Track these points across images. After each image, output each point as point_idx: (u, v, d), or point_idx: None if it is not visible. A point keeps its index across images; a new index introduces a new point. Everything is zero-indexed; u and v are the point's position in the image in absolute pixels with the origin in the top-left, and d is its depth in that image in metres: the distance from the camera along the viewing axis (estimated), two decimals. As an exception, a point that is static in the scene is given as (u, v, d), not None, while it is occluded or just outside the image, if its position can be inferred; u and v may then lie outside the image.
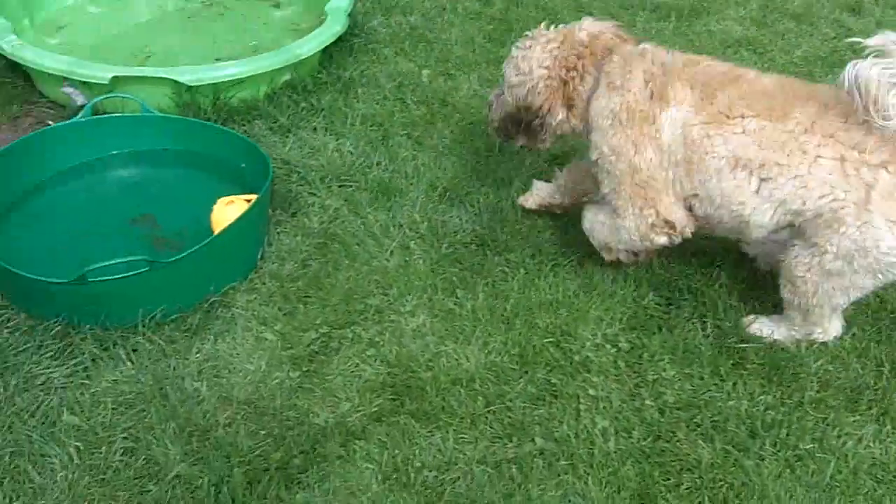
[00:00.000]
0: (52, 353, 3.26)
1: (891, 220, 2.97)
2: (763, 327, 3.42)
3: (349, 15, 4.89)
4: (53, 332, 3.31)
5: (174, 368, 3.24)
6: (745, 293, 3.59)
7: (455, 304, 3.53)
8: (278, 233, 3.79)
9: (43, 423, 3.04)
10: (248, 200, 3.62)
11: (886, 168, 2.96)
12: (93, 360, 3.25)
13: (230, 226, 3.52)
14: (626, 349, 3.38)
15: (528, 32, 3.55)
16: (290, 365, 3.27)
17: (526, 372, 3.28)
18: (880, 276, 3.09)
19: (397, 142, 4.31)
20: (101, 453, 2.96)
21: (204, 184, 3.97)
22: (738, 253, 3.71)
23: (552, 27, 3.51)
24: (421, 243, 3.77)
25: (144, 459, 2.96)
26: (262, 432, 3.05)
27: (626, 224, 3.41)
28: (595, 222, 3.56)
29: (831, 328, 3.36)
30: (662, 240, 3.39)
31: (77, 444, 2.97)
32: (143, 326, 3.34)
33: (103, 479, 2.89)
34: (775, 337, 3.39)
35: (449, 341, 3.37)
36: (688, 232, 3.38)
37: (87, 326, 3.33)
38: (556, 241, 3.80)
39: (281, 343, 3.35)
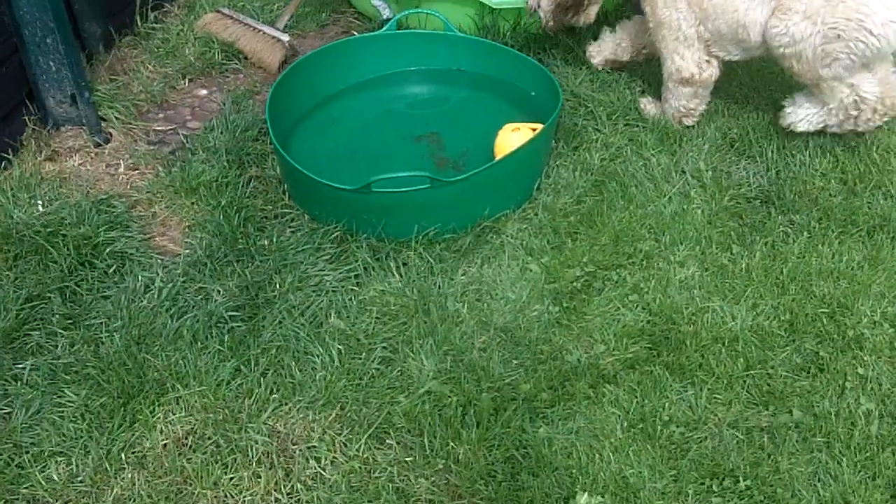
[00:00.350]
0: (328, 257, 3.41)
1: None
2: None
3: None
4: (332, 237, 3.46)
5: (439, 287, 3.31)
6: None
7: (729, 259, 3.40)
8: (557, 165, 3.76)
9: (311, 322, 3.20)
10: (534, 129, 3.62)
11: None
12: (365, 268, 3.37)
13: (512, 153, 3.54)
14: (906, 332, 3.16)
15: None
16: (551, 299, 3.27)
17: (793, 340, 3.13)
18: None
19: (692, 85, 4.16)
20: (360, 359, 3.08)
21: (492, 108, 4.01)
22: None
23: None
24: (702, 192, 3.65)
25: (399, 371, 3.05)
26: (515, 361, 3.08)
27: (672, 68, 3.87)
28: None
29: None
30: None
31: (339, 346, 3.11)
32: (416, 242, 3.43)
33: (359, 384, 3.01)
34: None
35: (716, 297, 3.26)
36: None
37: (364, 235, 3.46)
38: (846, 207, 3.58)
39: (545, 276, 3.35)
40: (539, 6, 4.07)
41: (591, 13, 4.04)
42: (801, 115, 3.75)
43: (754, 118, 3.99)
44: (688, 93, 3.87)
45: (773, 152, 3.81)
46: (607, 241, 3.46)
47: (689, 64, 3.81)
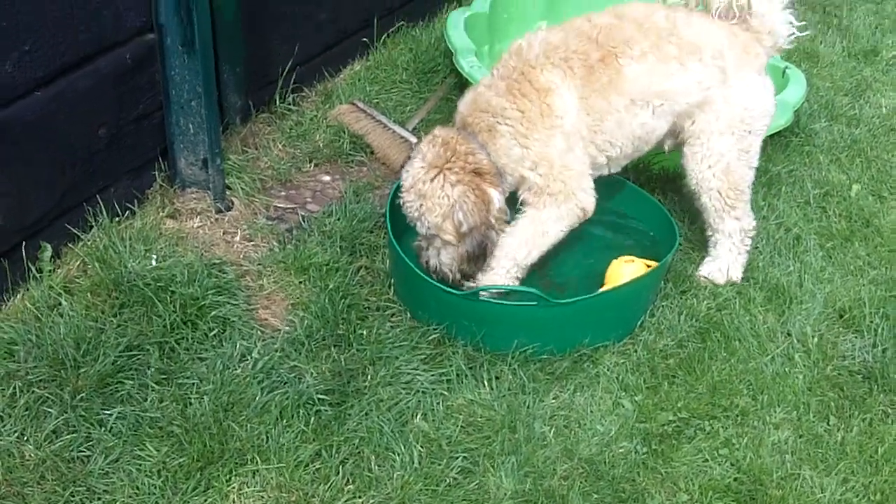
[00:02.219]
0: (423, 357, 3.42)
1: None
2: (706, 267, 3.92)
3: (795, 111, 4.77)
4: (430, 338, 3.48)
5: (528, 406, 3.30)
6: None
7: (825, 430, 3.33)
8: (663, 306, 3.75)
9: (397, 419, 3.20)
10: (648, 266, 3.63)
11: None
12: (458, 374, 3.37)
13: (620, 287, 3.55)
14: None
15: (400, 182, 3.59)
16: (640, 439, 3.23)
17: (883, 524, 3.04)
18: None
19: (808, 249, 4.14)
20: (439, 465, 3.06)
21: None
22: None
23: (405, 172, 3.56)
24: (805, 358, 3.60)
25: (477, 484, 3.03)
26: (595, 496, 3.04)
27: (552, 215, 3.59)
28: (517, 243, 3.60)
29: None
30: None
31: (421, 449, 3.10)
32: (513, 358, 3.43)
33: (435, 490, 2.99)
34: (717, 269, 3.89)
35: (807, 466, 3.19)
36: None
37: (462, 342, 3.47)
38: (953, 397, 3.49)
39: (637, 414, 3.31)
40: (441, 265, 3.58)
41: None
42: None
43: (867, 291, 3.94)
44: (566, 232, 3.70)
45: (882, 330, 3.75)
46: (704, 390, 3.42)
47: (591, 195, 3.66)
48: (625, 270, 3.65)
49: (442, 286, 3.44)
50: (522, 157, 3.50)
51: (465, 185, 3.44)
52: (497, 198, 3.51)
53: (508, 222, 3.63)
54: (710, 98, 3.62)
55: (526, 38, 3.58)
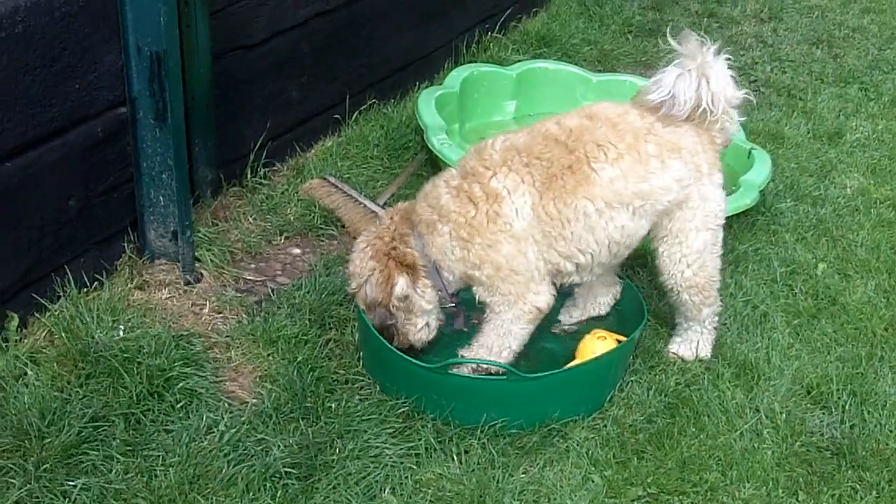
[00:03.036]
0: (391, 431, 3.40)
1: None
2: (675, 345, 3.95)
3: (761, 192, 4.85)
4: (399, 411, 3.46)
5: (498, 481, 3.27)
6: None
7: (794, 506, 3.33)
8: (632, 381, 3.75)
9: (365, 493, 3.17)
10: (619, 341, 3.65)
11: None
12: (426, 448, 3.35)
13: (590, 361, 3.56)
14: None
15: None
16: (610, 514, 3.21)
17: None
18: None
19: (776, 326, 4.17)
20: (408, 540, 3.03)
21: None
22: None
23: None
24: (773, 433, 3.60)
25: (446, 561, 2.99)
26: (565, 571, 3.00)
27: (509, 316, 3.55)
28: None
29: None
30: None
31: (389, 524, 3.07)
32: (482, 432, 3.42)
33: (406, 566, 2.95)
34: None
35: (778, 542, 3.18)
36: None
37: (431, 416, 3.45)
38: (922, 475, 3.50)
39: (606, 489, 3.29)
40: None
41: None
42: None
43: (834, 368, 3.96)
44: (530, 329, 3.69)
45: (850, 406, 3.76)
46: (673, 466, 3.41)
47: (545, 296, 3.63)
48: (597, 347, 3.67)
49: (411, 359, 3.44)
50: (464, 258, 3.48)
51: (378, 262, 3.50)
52: (401, 285, 3.51)
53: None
54: (689, 196, 3.63)
55: (491, 139, 3.59)
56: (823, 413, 3.76)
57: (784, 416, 3.69)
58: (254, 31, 4.41)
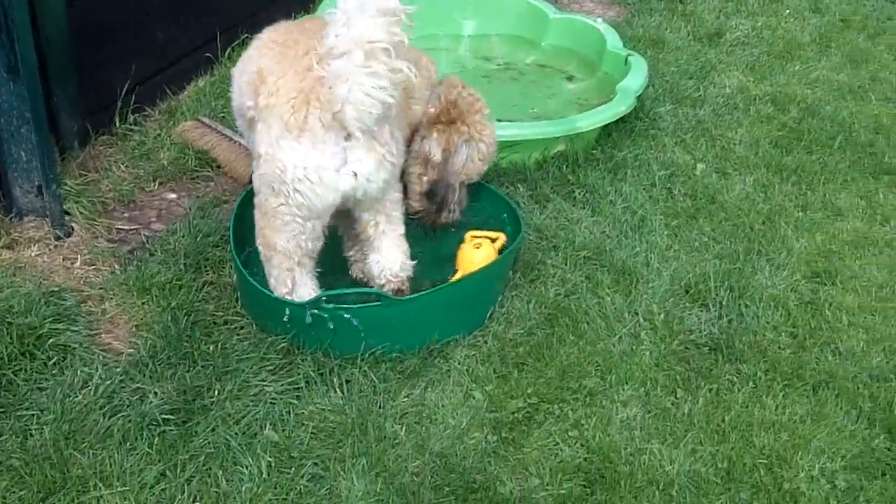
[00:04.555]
0: (271, 368, 3.38)
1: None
2: None
3: (638, 97, 4.86)
4: (278, 348, 3.44)
5: (380, 407, 3.28)
6: None
7: (672, 403, 3.38)
8: (512, 296, 3.77)
9: (244, 432, 3.15)
10: (494, 240, 3.70)
11: None
12: (307, 382, 3.34)
13: (464, 280, 3.56)
14: (842, 488, 3.12)
15: None
16: (491, 428, 3.24)
17: (728, 489, 3.09)
18: None
19: (654, 229, 4.21)
20: (289, 474, 3.02)
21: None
22: None
23: None
24: (652, 335, 3.65)
25: (328, 489, 3.00)
26: (446, 488, 3.03)
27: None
28: None
29: None
30: None
31: (270, 459, 3.06)
32: (362, 360, 3.41)
33: (285, 499, 2.95)
34: None
35: (656, 440, 3.23)
36: None
37: (311, 350, 3.44)
38: (794, 362, 3.58)
39: (487, 404, 3.32)
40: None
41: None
42: None
43: (711, 266, 4.02)
44: None
45: (727, 302, 3.83)
46: (553, 375, 3.45)
47: None
48: (476, 256, 3.70)
49: (282, 298, 3.41)
50: None
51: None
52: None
53: None
54: None
55: None
56: (702, 310, 3.82)
57: (662, 316, 3.74)
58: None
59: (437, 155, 3.75)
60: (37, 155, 3.77)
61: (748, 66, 5.74)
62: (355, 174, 3.19)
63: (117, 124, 4.47)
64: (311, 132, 3.13)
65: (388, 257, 3.53)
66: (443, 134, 3.75)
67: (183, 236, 3.93)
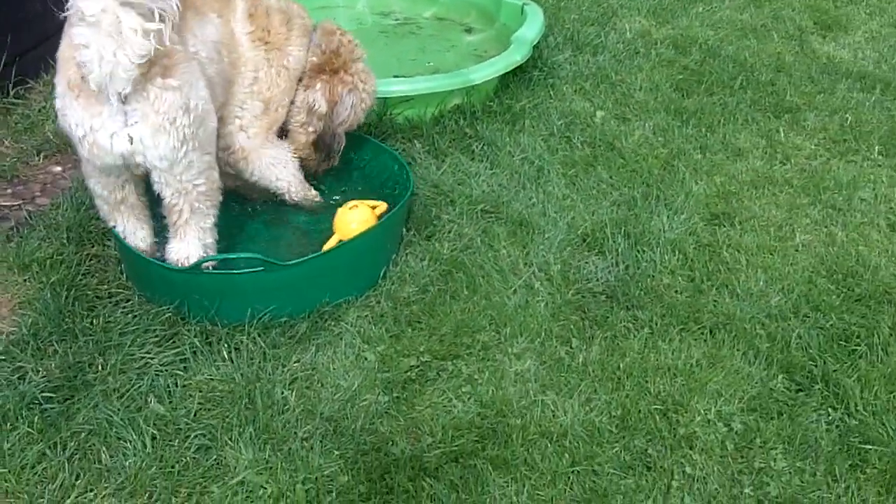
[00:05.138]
0: (156, 339, 3.29)
1: None
2: None
3: (535, 47, 4.80)
4: (163, 318, 3.35)
5: (269, 373, 3.21)
6: (886, 388, 3.24)
7: (567, 353, 3.35)
8: (407, 254, 3.71)
9: (128, 406, 3.07)
10: (373, 207, 3.61)
11: None
12: (193, 352, 3.26)
13: (353, 240, 3.49)
14: (738, 430, 3.11)
15: None
16: (382, 388, 3.19)
17: (623, 437, 3.07)
18: None
19: (551, 179, 4.17)
20: (174, 446, 2.95)
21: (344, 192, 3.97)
22: (887, 342, 3.38)
23: None
24: (548, 285, 3.62)
25: (215, 459, 2.93)
26: (336, 452, 2.97)
27: None
28: None
29: None
30: None
31: (154, 432, 2.98)
32: (250, 327, 3.34)
33: (170, 471, 2.88)
34: None
35: (550, 391, 3.20)
36: None
37: (196, 319, 3.36)
38: (691, 305, 3.56)
39: (379, 365, 3.27)
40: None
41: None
42: None
43: (608, 213, 3.99)
44: None
45: (624, 248, 3.80)
46: (447, 331, 3.40)
47: None
48: (350, 215, 3.62)
49: (162, 264, 3.33)
50: None
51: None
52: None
53: None
54: None
55: None
56: (598, 258, 3.79)
57: (558, 267, 3.71)
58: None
59: (322, 106, 3.69)
60: None
61: (650, 10, 5.71)
62: (130, 138, 3.06)
63: (-5, 93, 4.33)
64: (86, 93, 2.99)
65: (187, 248, 3.39)
66: (327, 84, 3.68)
67: (67, 210, 3.81)
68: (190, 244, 3.38)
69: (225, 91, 3.49)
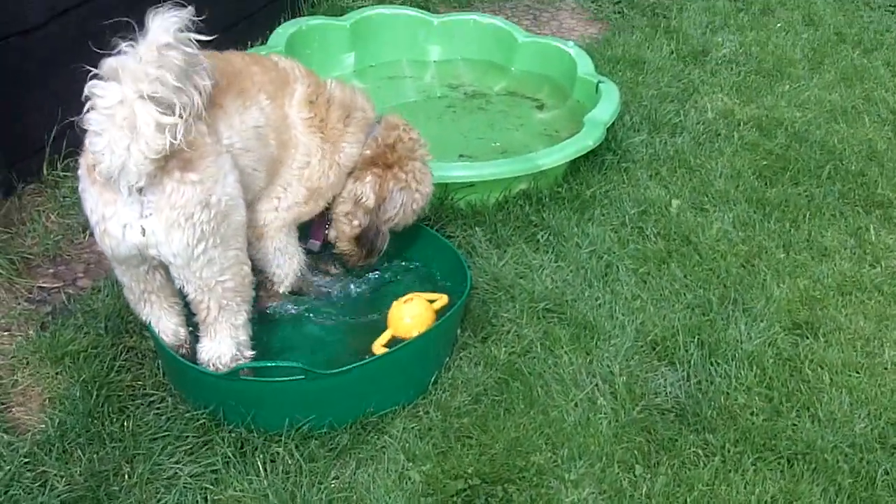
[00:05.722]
0: (188, 448, 3.09)
1: None
2: None
3: (608, 128, 4.54)
4: (197, 423, 3.15)
5: (305, 491, 2.98)
6: None
7: (630, 482, 3.06)
8: (461, 358, 3.47)
9: (152, 523, 2.87)
10: (431, 301, 3.42)
11: None
12: (226, 462, 3.05)
13: (404, 347, 3.26)
14: (817, 585, 2.80)
15: None
16: (426, 515, 2.94)
17: (687, 586, 2.77)
18: None
19: (620, 277, 3.89)
20: (195, 572, 2.74)
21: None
22: None
23: None
24: (611, 400, 3.34)
25: (240, 590, 2.71)
26: (371, 589, 2.73)
27: None
28: None
29: None
30: None
31: (176, 556, 2.77)
32: (287, 437, 3.12)
33: None
34: None
35: (609, 527, 2.92)
36: None
37: (232, 425, 3.15)
38: (767, 430, 3.25)
39: (423, 487, 3.01)
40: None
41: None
42: None
43: (681, 318, 3.69)
44: None
45: (696, 360, 3.50)
46: (500, 450, 3.13)
47: None
48: (405, 312, 3.42)
49: (197, 367, 3.12)
50: None
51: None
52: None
53: None
54: None
55: None
56: (668, 370, 3.50)
57: (624, 378, 3.43)
58: (28, 14, 4.00)
59: (369, 199, 3.49)
60: (-58, 214, 3.50)
61: (734, 86, 5.42)
62: (143, 230, 2.88)
63: (45, 172, 4.18)
64: (102, 180, 2.84)
65: (220, 347, 3.18)
66: (378, 178, 3.48)
67: (108, 295, 3.64)
68: (222, 343, 3.17)
69: (269, 174, 3.30)
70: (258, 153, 3.19)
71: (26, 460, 3.02)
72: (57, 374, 3.33)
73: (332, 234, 3.67)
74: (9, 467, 2.98)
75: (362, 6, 5.67)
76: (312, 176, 3.41)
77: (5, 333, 3.51)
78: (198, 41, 2.75)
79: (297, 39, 5.04)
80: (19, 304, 3.64)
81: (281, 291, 3.60)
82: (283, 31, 5.05)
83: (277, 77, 3.29)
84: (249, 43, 5.28)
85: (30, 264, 3.84)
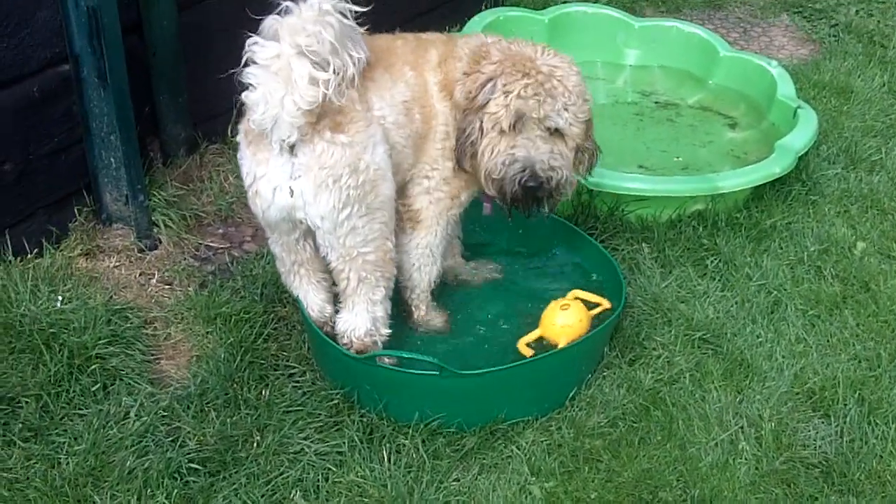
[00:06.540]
0: (319, 425, 3.12)
1: None
2: None
3: (801, 156, 4.32)
4: (331, 403, 3.19)
5: (424, 488, 2.96)
6: None
7: (760, 539, 2.91)
8: (603, 377, 3.37)
9: (271, 495, 2.91)
10: (591, 304, 3.39)
11: None
12: (352, 446, 3.06)
13: (545, 358, 3.19)
14: None
15: None
16: (539, 535, 2.87)
17: None
18: None
19: (787, 316, 3.70)
20: (303, 551, 2.76)
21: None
22: None
23: None
24: (755, 446, 3.18)
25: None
26: None
27: None
28: None
29: None
30: None
31: (290, 532, 2.80)
32: (416, 430, 3.11)
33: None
34: None
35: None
36: None
37: (364, 409, 3.16)
38: (921, 503, 3.03)
39: (542, 504, 2.95)
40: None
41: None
42: None
43: (845, 369, 3.48)
44: None
45: (854, 416, 3.29)
46: (627, 479, 3.03)
47: None
48: (559, 317, 3.33)
49: (338, 346, 3.15)
50: None
51: None
52: None
53: None
54: None
55: None
56: (821, 422, 3.30)
57: (773, 424, 3.25)
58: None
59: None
60: (124, 164, 3.64)
61: (946, 127, 5.07)
62: (292, 191, 2.90)
63: (230, 133, 4.29)
64: (257, 141, 2.91)
65: (356, 320, 3.18)
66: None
67: (269, 263, 3.70)
68: (358, 316, 3.19)
69: (416, 151, 3.25)
70: (407, 129, 3.17)
71: (164, 413, 3.12)
72: (207, 333, 3.43)
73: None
74: (146, 418, 3.09)
75: (566, 1, 5.57)
76: (453, 145, 3.29)
77: (167, 287, 3.63)
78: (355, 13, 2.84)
79: (493, 29, 4.97)
80: (185, 259, 3.76)
81: (414, 299, 3.50)
82: (480, 20, 5.02)
83: (418, 46, 3.27)
84: (447, 27, 5.28)
85: (201, 222, 3.97)
